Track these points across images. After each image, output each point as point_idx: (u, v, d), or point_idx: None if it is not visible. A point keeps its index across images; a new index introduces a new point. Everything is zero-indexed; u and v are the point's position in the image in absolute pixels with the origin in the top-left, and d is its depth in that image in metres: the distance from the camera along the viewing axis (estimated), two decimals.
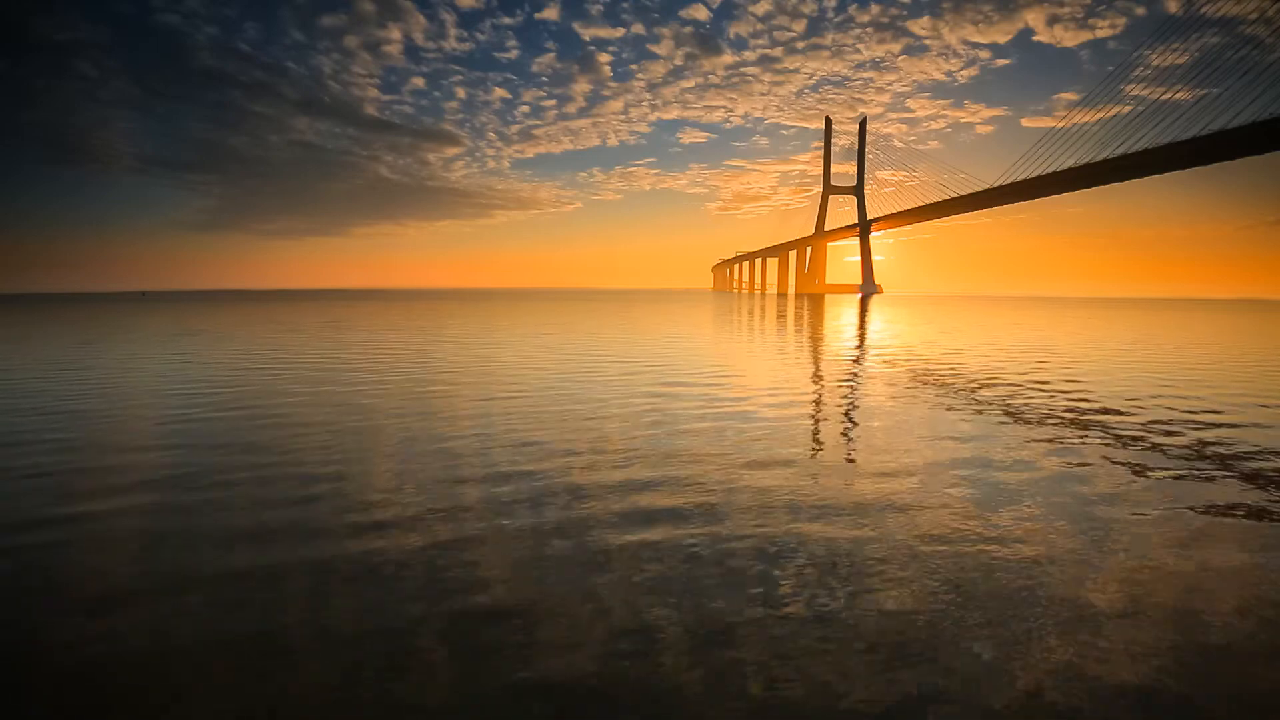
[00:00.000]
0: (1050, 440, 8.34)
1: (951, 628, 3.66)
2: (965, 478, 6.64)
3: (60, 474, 6.83)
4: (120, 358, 18.54)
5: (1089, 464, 7.20)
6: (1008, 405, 10.83)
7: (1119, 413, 10.34)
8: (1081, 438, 8.52)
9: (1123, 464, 7.20)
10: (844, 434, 8.73)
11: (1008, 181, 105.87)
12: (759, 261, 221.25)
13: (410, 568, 4.51)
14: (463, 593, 4.15)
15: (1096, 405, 10.94)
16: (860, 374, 14.75)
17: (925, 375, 14.74)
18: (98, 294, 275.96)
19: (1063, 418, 9.84)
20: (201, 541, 5.00)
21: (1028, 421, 9.50)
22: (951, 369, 16.31)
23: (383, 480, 6.55)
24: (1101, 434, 8.73)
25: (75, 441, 8.31)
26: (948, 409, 10.48)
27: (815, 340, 25.44)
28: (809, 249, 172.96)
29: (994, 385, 13.00)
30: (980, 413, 10.20)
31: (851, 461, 7.25)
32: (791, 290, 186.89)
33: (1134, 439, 8.49)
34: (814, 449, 7.85)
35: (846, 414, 10.10)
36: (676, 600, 4.03)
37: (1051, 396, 11.78)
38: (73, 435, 8.71)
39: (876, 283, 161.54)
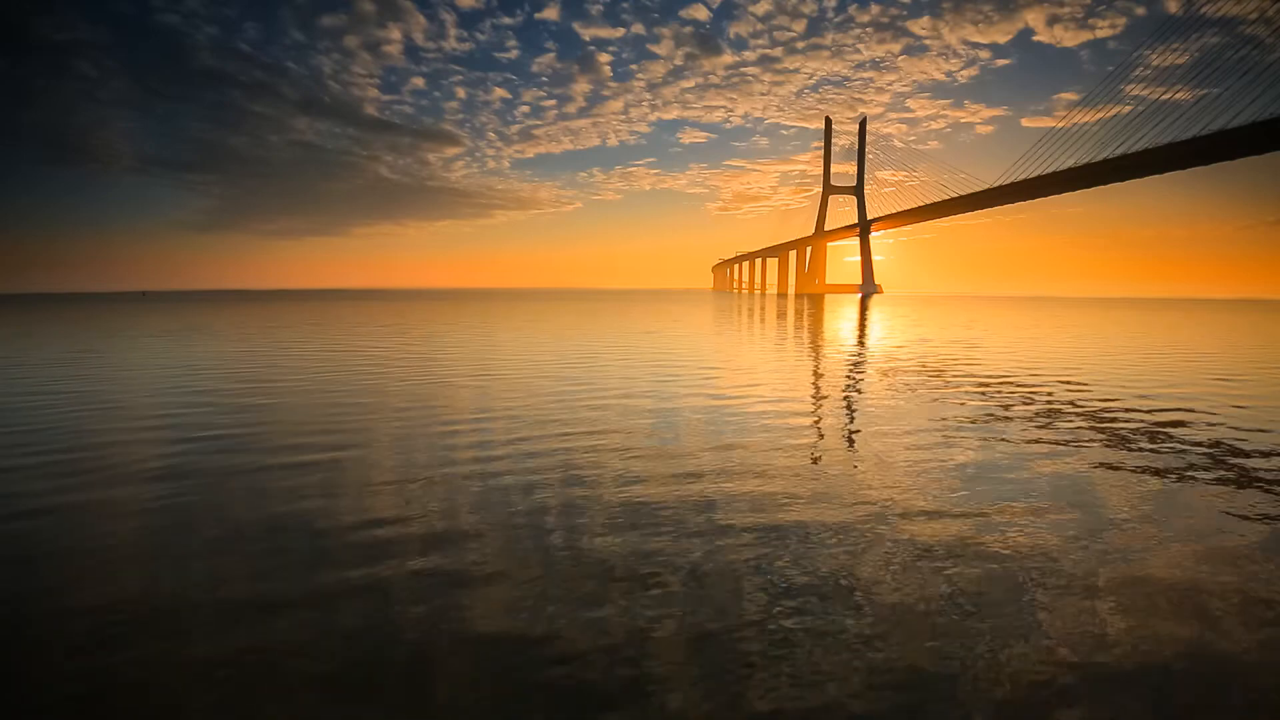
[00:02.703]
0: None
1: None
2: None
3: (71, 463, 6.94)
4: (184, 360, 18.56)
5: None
6: (1097, 440, 8.26)
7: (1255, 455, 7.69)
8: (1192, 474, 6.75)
9: None
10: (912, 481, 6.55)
11: (1008, 181, 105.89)
12: (759, 261, 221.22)
13: (411, 576, 4.61)
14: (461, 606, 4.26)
15: (1199, 439, 8.35)
16: (896, 394, 13.71)
17: (968, 391, 13.27)
18: (98, 294, 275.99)
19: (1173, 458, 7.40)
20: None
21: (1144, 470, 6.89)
22: (995, 384, 16.07)
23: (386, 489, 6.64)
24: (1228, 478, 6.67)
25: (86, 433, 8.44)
26: (1028, 442, 8.14)
27: (829, 346, 25.37)
28: (809, 249, 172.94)
29: (1054, 410, 10.52)
30: (1068, 449, 7.78)
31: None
32: (791, 290, 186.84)
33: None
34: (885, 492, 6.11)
35: (906, 448, 7.89)
36: (680, 602, 4.15)
37: (1161, 440, 8.28)
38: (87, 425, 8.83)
39: (876, 283, 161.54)
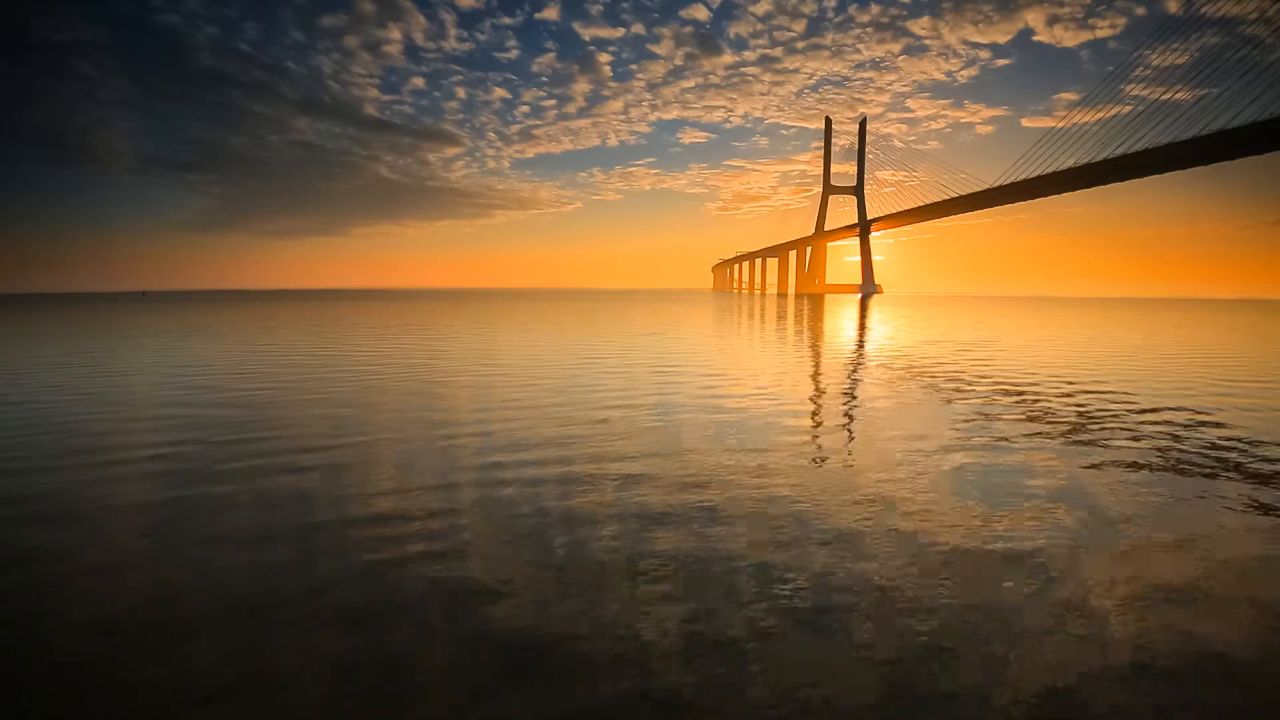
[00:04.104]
0: None
1: None
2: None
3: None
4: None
5: None
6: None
7: None
8: None
9: None
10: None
11: (1008, 181, 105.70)
12: (759, 261, 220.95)
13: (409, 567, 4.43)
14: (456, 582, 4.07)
15: None
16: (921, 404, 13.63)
17: (996, 403, 12.28)
18: (98, 294, 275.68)
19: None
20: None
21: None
22: (1022, 392, 15.16)
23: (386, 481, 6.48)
24: None
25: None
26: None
27: (835, 349, 24.99)
28: (809, 249, 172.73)
29: (1095, 424, 9.83)
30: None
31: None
32: (791, 290, 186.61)
33: None
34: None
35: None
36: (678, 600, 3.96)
37: None
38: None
39: (876, 283, 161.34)
